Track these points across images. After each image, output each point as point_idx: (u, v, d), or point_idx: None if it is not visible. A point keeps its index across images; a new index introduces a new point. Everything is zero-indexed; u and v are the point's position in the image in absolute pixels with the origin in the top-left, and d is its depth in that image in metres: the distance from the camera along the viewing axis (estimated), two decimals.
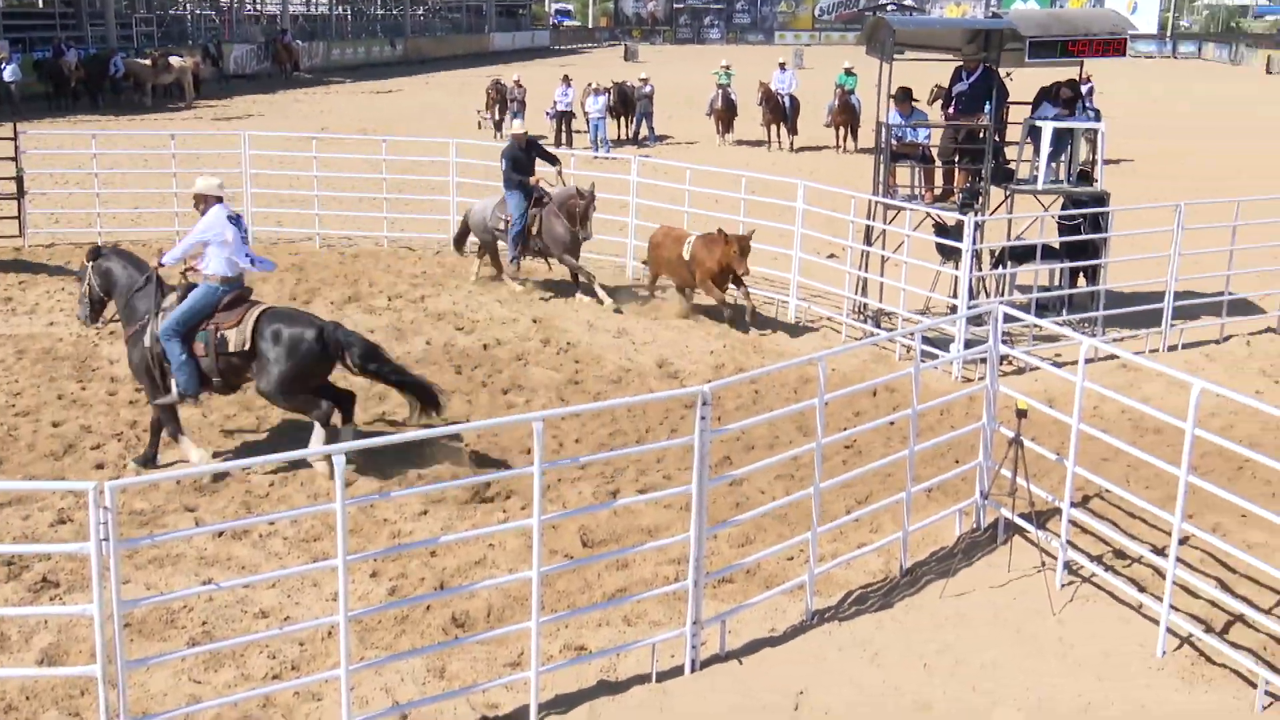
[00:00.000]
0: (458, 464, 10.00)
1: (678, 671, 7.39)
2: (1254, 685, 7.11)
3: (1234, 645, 7.46)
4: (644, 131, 31.67)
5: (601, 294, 15.33)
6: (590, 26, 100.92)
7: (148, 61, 37.96)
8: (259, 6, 62.67)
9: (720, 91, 30.91)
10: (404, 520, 9.28)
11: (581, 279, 15.66)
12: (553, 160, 16.24)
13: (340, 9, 65.93)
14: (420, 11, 76.05)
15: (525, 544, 8.25)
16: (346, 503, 6.22)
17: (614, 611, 7.91)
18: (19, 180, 17.61)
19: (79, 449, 10.48)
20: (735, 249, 13.96)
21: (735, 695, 7.18)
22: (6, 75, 34.11)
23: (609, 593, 8.22)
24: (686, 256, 14.49)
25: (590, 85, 30.02)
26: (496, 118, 31.27)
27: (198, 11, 54.57)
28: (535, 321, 14.48)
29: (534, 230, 15.62)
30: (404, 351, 13.25)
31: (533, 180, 15.68)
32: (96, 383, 12.10)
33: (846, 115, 29.66)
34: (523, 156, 15.73)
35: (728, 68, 31.82)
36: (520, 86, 30.82)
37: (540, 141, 17.84)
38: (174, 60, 38.57)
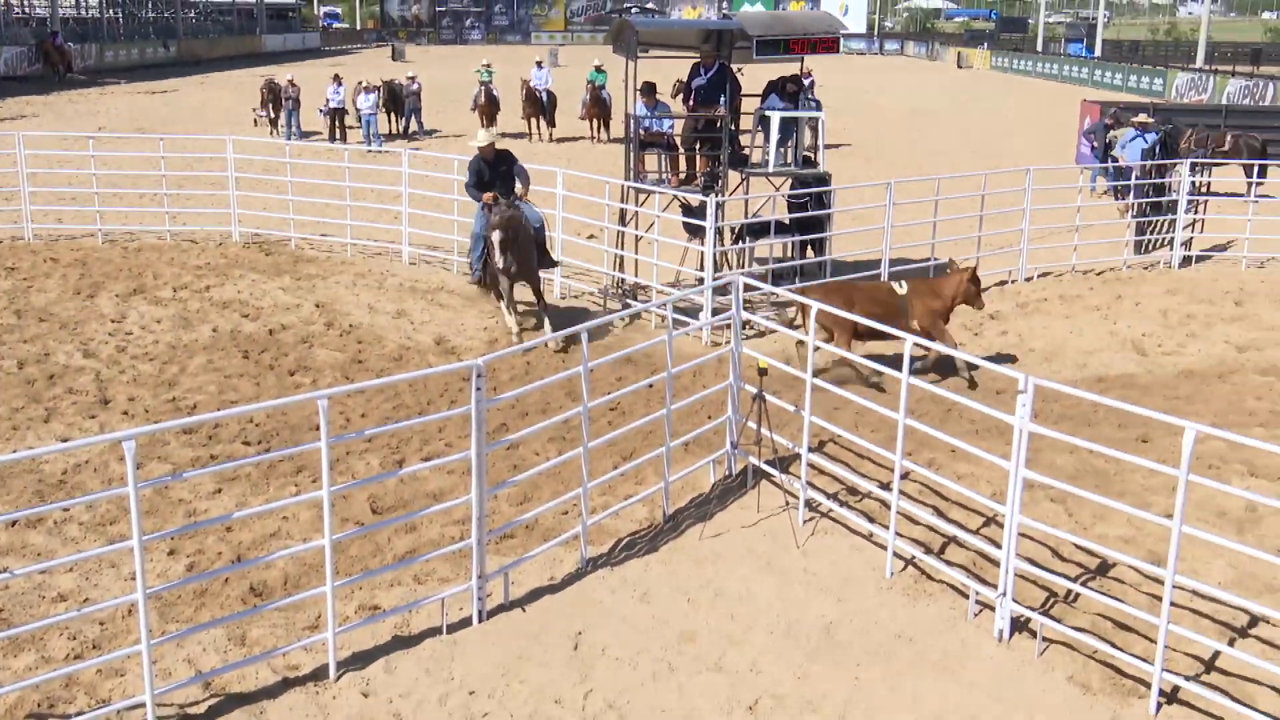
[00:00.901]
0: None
1: (466, 623, 7.33)
2: (966, 596, 7.53)
3: (949, 563, 7.87)
4: (414, 126, 31.12)
5: (548, 328, 13.15)
6: (358, 28, 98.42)
7: None
8: (27, 9, 58.55)
9: (483, 88, 30.59)
10: (199, 499, 8.89)
11: (539, 306, 13.67)
12: (522, 179, 13.68)
13: (111, 11, 62.15)
14: (192, 14, 72.56)
15: (317, 514, 8.02)
16: (139, 486, 5.92)
17: (405, 571, 7.79)
18: None
19: None
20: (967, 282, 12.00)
21: (521, 641, 7.18)
22: None
23: (399, 554, 8.09)
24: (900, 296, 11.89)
25: (361, 83, 29.27)
26: (271, 115, 30.17)
27: None
28: (318, 306, 14.04)
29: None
30: (191, 339, 12.68)
31: (488, 197, 13.05)
32: None
33: (598, 108, 29.85)
34: (485, 169, 13.49)
35: (489, 66, 31.51)
36: (294, 85, 29.75)
37: (315, 138, 17.10)
38: None
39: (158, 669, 6.40)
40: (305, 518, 8.54)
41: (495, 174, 13.46)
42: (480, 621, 7.35)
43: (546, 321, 13.39)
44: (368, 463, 9.62)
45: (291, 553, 7.45)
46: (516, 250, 12.87)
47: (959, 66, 73.61)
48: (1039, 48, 76.27)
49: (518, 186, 13.59)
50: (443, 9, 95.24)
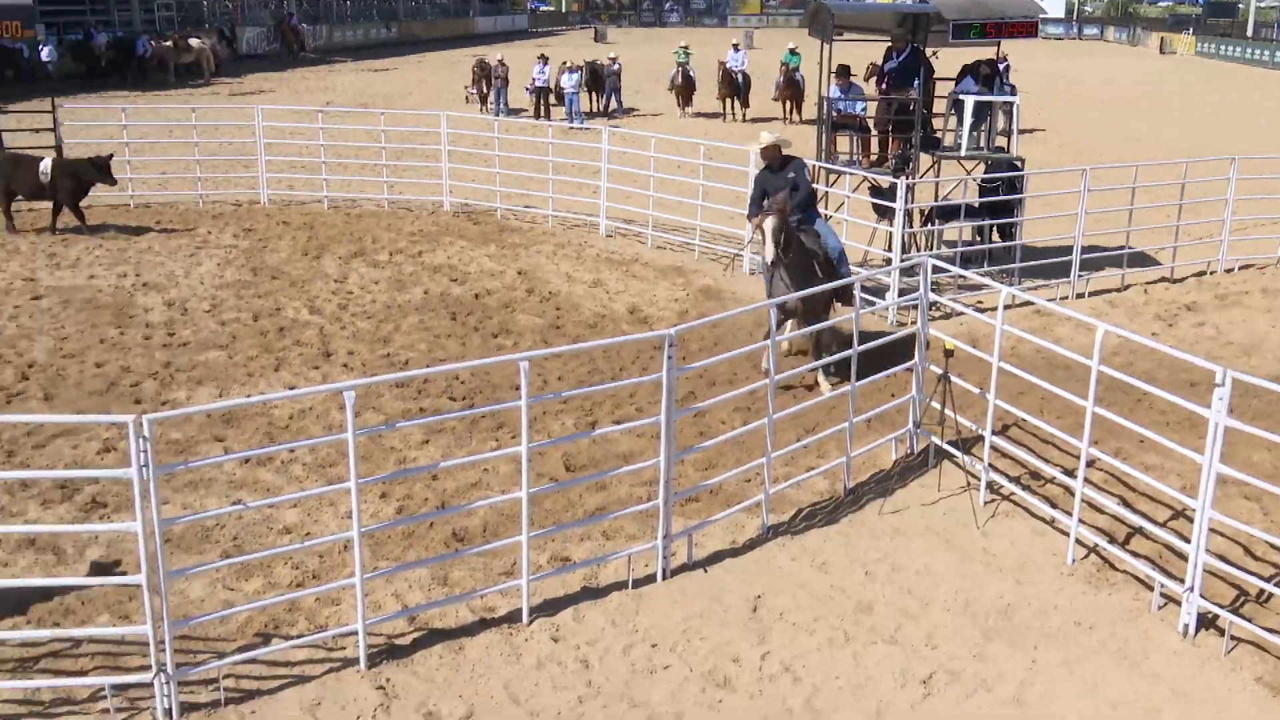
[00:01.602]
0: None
1: (651, 579, 7.42)
2: (1151, 588, 7.21)
3: (1134, 554, 7.55)
4: (613, 105, 31.38)
5: (824, 383, 10.41)
6: (564, 11, 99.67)
7: (170, 43, 37.22)
8: None
9: (680, 69, 30.63)
10: (408, 449, 9.24)
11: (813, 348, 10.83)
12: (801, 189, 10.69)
13: None
14: None
15: (516, 469, 8.21)
16: (356, 433, 6.18)
17: (594, 527, 7.92)
18: (58, 149, 17.27)
19: (120, 387, 10.37)
20: None
21: (702, 600, 7.22)
22: (44, 56, 33.41)
23: (590, 510, 8.23)
24: None
25: (565, 64, 29.69)
26: (482, 93, 30.90)
27: None
28: (520, 273, 14.36)
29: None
30: (405, 300, 13.15)
31: (756, 221, 10.42)
32: (134, 329, 11.93)
33: (792, 90, 29.48)
34: (769, 181, 10.78)
35: (686, 48, 31.51)
36: (503, 65, 30.41)
37: (522, 115, 17.21)
38: (193, 42, 37.82)
39: (369, 601, 6.69)
40: (504, 471, 8.77)
41: (781, 186, 10.52)
42: (664, 579, 7.42)
43: (821, 375, 10.50)
44: (563, 423, 9.80)
45: (491, 503, 7.70)
46: (792, 253, 10.28)
47: (1161, 52, 69.78)
48: (1249, 33, 71.63)
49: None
50: None
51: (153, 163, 18.84)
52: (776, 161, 10.83)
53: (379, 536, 7.70)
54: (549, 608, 7.07)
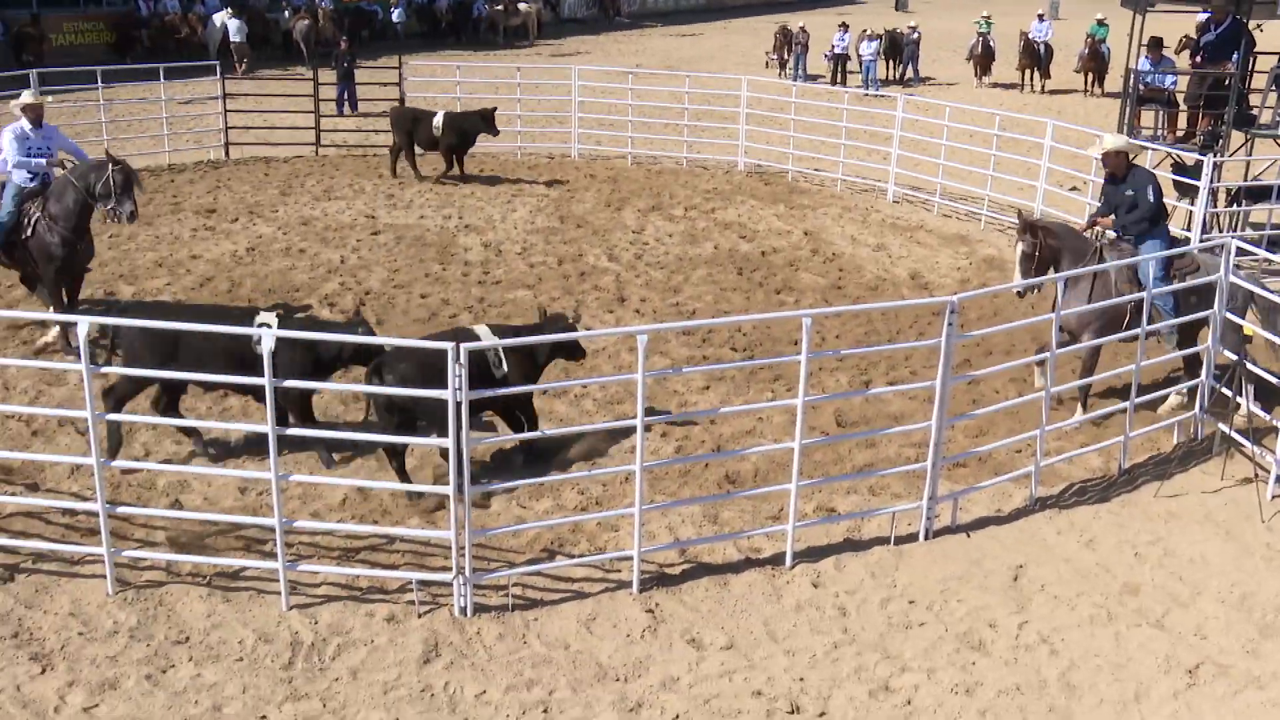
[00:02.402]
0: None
1: (913, 538, 7.27)
2: None
3: None
4: (909, 73, 30.39)
5: None
6: None
7: (501, 6, 38.92)
8: None
9: (980, 39, 29.26)
10: (690, 393, 9.40)
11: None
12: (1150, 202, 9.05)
13: None
14: None
15: (790, 419, 8.21)
16: (646, 375, 6.35)
17: (861, 483, 7.83)
18: (401, 100, 18.48)
19: (440, 317, 11.06)
20: None
21: (962, 563, 7.02)
22: (395, 17, 35.71)
23: (858, 466, 8.13)
24: None
25: (865, 31, 28.95)
26: (782, 58, 30.63)
27: None
28: (806, 234, 14.25)
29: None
30: (695, 253, 13.32)
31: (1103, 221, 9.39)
32: (454, 265, 12.69)
33: (1096, 62, 27.57)
34: (1110, 192, 9.29)
35: (988, 18, 30.03)
36: (804, 32, 29.99)
37: (819, 81, 16.84)
38: (521, 6, 39.37)
39: (645, 531, 6.89)
40: (778, 421, 8.78)
41: (1119, 202, 9.19)
42: (926, 539, 7.26)
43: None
44: (838, 380, 9.70)
45: (764, 450, 7.74)
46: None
47: None
48: None
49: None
50: None
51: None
52: (1121, 170, 9.14)
53: (658, 472, 7.90)
54: (812, 555, 7.06)
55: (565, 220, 14.68)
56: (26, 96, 10.31)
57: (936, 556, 7.09)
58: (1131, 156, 9.25)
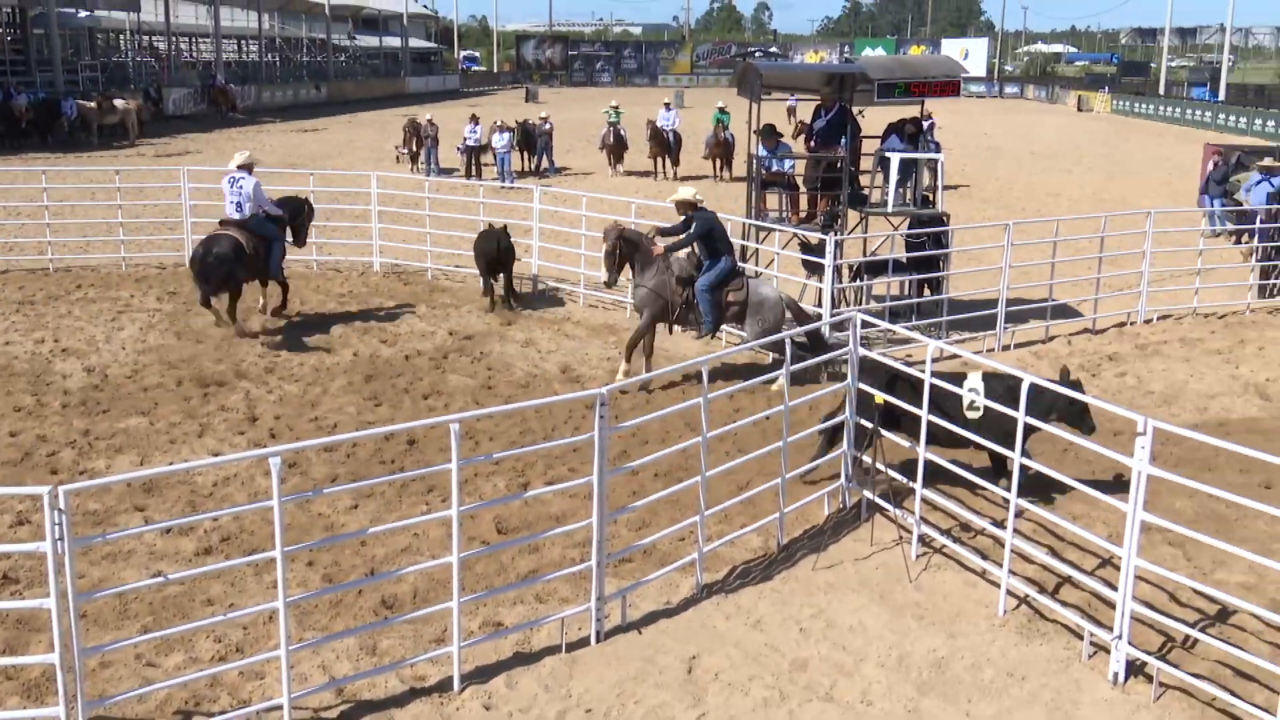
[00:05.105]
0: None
1: (585, 642, 7.34)
2: (1081, 637, 7.28)
3: (1063, 603, 7.62)
4: (544, 164, 31.56)
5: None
6: (495, 71, 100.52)
7: (94, 104, 36.86)
8: (195, 53, 61.28)
9: (611, 128, 30.94)
10: (336, 514, 9.10)
11: None
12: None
13: (270, 56, 64.71)
14: (343, 58, 75.08)
15: (446, 532, 8.10)
16: (282, 500, 6.08)
17: (527, 590, 7.84)
18: None
19: (35, 456, 10.11)
20: None
21: (637, 662, 7.16)
22: None
23: (522, 574, 8.15)
24: None
25: (496, 123, 29.82)
26: (412, 152, 30.94)
27: (138, 58, 53.13)
28: (451, 334, 14.30)
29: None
30: (334, 362, 13.01)
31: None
32: (51, 396, 11.67)
33: (722, 148, 29.94)
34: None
35: (617, 107, 31.85)
36: (433, 125, 30.51)
37: (453, 174, 17.34)
38: (118, 102, 37.49)
39: (295, 674, 6.54)
40: (435, 535, 8.66)
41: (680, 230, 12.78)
42: (598, 641, 7.35)
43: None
44: (494, 484, 9.73)
45: (421, 568, 7.58)
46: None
47: (1079, 110, 71.94)
48: (1161, 91, 74.06)
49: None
50: (575, 53, 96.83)
51: (72, 226, 18.54)
52: (687, 211, 12.61)
53: (305, 606, 7.54)
54: (481, 674, 6.96)
55: (182, 336, 13.92)
56: None
57: (610, 659, 7.19)
58: (698, 204, 12.60)
